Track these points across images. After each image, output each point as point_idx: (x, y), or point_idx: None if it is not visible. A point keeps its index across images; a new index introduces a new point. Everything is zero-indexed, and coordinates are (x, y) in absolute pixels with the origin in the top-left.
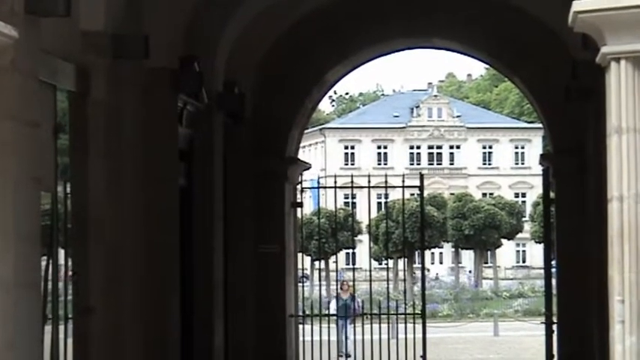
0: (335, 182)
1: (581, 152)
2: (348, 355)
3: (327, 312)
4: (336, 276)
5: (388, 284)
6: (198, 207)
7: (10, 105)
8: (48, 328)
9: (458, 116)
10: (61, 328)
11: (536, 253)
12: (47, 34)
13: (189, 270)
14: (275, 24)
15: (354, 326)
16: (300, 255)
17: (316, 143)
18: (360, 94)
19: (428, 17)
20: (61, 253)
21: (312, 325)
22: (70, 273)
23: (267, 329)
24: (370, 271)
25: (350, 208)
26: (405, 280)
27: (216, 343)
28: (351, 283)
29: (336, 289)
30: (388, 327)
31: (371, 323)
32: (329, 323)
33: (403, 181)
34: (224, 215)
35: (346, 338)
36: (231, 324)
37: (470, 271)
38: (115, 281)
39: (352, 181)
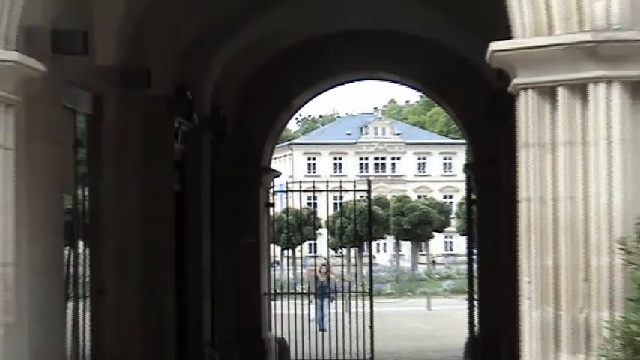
0: (300, 187)
1: (496, 163)
2: (324, 330)
3: (293, 290)
4: (301, 262)
5: (342, 268)
6: (189, 207)
7: (40, 126)
8: (70, 304)
9: (398, 134)
10: (80, 304)
11: (460, 244)
12: (69, 68)
13: (182, 258)
14: (253, 59)
15: (329, 304)
16: (272, 245)
17: (285, 156)
18: (320, 116)
19: (374, 55)
20: (80, 243)
21: (281, 300)
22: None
23: (246, 305)
24: (328, 258)
25: (312, 207)
26: (356, 265)
27: (205, 318)
28: (332, 268)
29: (301, 273)
30: (342, 303)
31: (329, 299)
32: (295, 299)
33: (354, 186)
34: (211, 214)
35: (323, 315)
36: (217, 302)
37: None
38: (122, 267)
39: (314, 186)
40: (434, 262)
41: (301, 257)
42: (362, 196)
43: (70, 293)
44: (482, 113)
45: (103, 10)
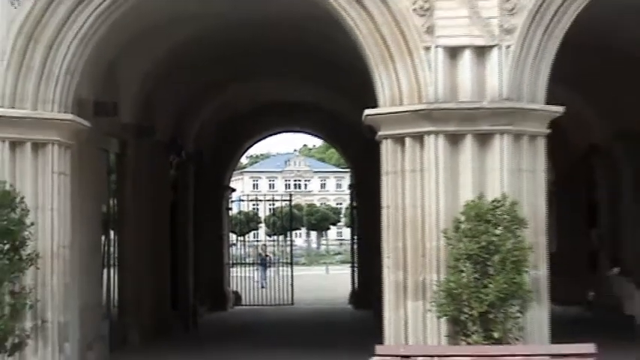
0: (247, 198)
1: (370, 183)
2: (264, 287)
3: (244, 262)
4: (248, 244)
5: (274, 249)
6: (180, 211)
7: (86, 160)
8: (104, 270)
9: (308, 166)
10: (111, 270)
11: (346, 233)
12: (104, 124)
13: (175, 246)
14: (220, 116)
15: (266, 271)
16: (230, 233)
17: (238, 179)
18: (261, 154)
19: (293, 117)
20: (111, 233)
21: (236, 268)
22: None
23: (214, 271)
24: (265, 242)
25: (255, 210)
26: (282, 246)
27: (189, 280)
28: (269, 249)
29: (254, 251)
30: (274, 270)
31: (266, 268)
32: (245, 267)
33: (282, 198)
34: (193, 215)
35: (264, 277)
36: (196, 270)
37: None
38: (137, 248)
39: (256, 198)
40: (331, 244)
41: (248, 241)
42: (286, 204)
43: (105, 263)
44: (359, 153)
45: (125, 88)
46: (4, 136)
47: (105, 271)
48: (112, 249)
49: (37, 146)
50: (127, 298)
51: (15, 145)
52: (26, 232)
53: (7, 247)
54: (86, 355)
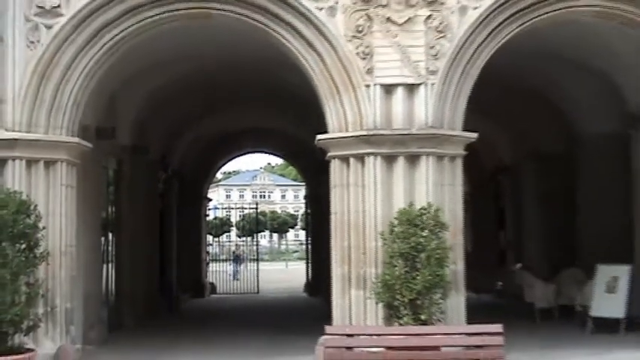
0: (222, 206)
1: (322, 196)
2: (237, 279)
3: (219, 258)
4: (222, 244)
5: (244, 247)
6: (167, 218)
7: (89, 175)
8: (104, 265)
9: (272, 180)
10: (110, 265)
11: (303, 235)
12: (104, 145)
13: (162, 245)
14: (200, 139)
15: (240, 266)
16: (208, 236)
17: (214, 190)
18: (233, 171)
19: (259, 140)
20: (110, 235)
21: (212, 263)
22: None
23: (193, 267)
24: (237, 243)
25: (229, 216)
26: (250, 245)
27: (173, 274)
28: (241, 247)
29: (227, 250)
30: (245, 265)
31: (239, 263)
32: (220, 263)
33: (249, 207)
34: (177, 221)
35: (238, 271)
36: (179, 265)
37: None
38: (132, 248)
39: (229, 206)
40: (290, 244)
41: (221, 241)
42: (253, 211)
43: (104, 259)
44: (312, 170)
45: (123, 115)
46: (21, 155)
47: (104, 266)
48: (110, 248)
49: (49, 164)
50: (122, 288)
51: (30, 162)
52: (39, 234)
53: (23, 246)
54: (88, 335)
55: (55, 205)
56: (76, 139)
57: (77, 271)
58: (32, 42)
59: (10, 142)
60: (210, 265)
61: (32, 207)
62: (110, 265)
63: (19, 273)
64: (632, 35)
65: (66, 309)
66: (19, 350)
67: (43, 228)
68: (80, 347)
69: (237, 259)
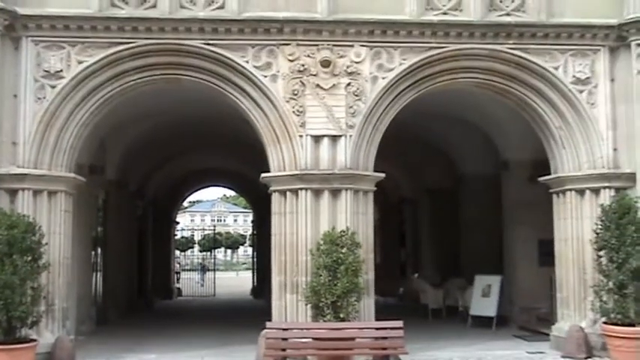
0: (187, 228)
1: (265, 221)
2: (202, 285)
3: (184, 268)
4: (187, 257)
5: (206, 260)
6: (143, 237)
7: (83, 203)
8: (94, 273)
9: (226, 208)
10: (99, 273)
11: (250, 250)
12: (95, 179)
13: (140, 258)
14: (170, 175)
15: (205, 274)
16: (176, 251)
17: (182, 215)
18: (196, 200)
19: (218, 177)
20: (99, 249)
21: (181, 272)
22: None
23: (165, 275)
24: (201, 256)
25: (192, 236)
26: (209, 258)
27: (149, 282)
28: (205, 260)
29: (197, 262)
30: (207, 273)
31: (203, 272)
32: (188, 272)
33: (209, 228)
34: (152, 239)
35: (203, 279)
36: (153, 273)
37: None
38: (117, 259)
39: (193, 228)
40: (240, 258)
41: (187, 255)
42: (212, 232)
43: (93, 269)
44: (258, 200)
45: (110, 156)
46: (29, 187)
47: (94, 274)
48: (98, 260)
49: (51, 194)
50: (108, 291)
51: (36, 193)
52: (42, 249)
53: (29, 258)
54: (80, 329)
55: (55, 226)
56: (73, 175)
57: (72, 278)
58: (39, 98)
59: (21, 177)
60: (182, 273)
61: (37, 227)
62: (98, 273)
63: (26, 279)
64: (502, 100)
65: (63, 308)
66: (25, 340)
67: (46, 244)
68: (74, 338)
69: (203, 268)
